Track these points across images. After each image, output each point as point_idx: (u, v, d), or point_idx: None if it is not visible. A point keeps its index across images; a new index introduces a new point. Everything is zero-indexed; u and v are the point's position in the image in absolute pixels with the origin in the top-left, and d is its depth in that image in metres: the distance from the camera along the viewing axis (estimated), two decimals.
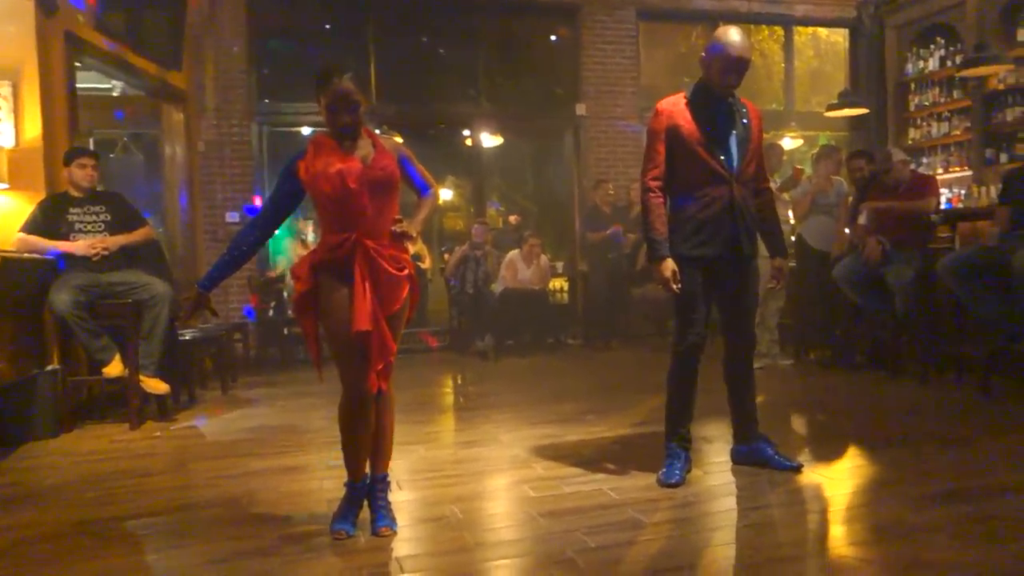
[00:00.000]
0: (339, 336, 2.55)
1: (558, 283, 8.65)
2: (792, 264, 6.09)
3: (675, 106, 3.14)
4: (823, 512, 2.81)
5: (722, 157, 3.09)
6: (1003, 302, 4.40)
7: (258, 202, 7.53)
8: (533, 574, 2.31)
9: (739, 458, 3.31)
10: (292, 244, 7.70)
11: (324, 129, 2.68)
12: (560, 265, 8.74)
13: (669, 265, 3.07)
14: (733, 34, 3.05)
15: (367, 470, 2.71)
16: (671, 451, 3.17)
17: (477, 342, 7.30)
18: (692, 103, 3.14)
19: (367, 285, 2.51)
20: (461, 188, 11.93)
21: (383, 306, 2.56)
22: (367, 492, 2.71)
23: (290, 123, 8.15)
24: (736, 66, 3.04)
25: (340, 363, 2.59)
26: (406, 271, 2.63)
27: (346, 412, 2.62)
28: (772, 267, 3.34)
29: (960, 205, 7.28)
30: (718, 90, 3.11)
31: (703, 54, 3.13)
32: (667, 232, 3.11)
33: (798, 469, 3.15)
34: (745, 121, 3.16)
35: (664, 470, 3.10)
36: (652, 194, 3.13)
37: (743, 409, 3.31)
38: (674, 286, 3.06)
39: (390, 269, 2.56)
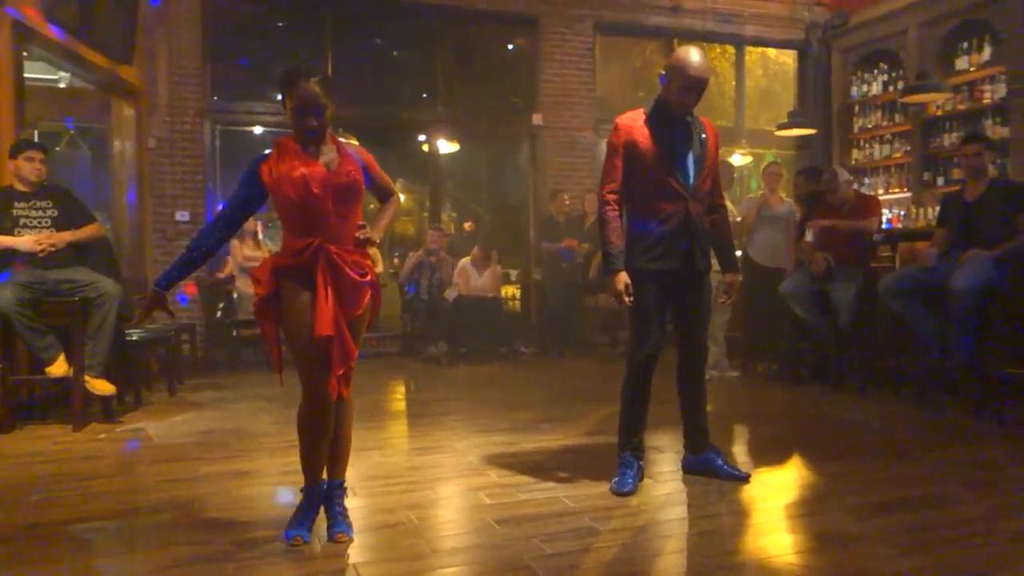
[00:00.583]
0: (300, 341, 2.53)
1: (511, 291, 8.70)
2: (740, 278, 6.25)
3: (634, 122, 3.21)
4: (769, 521, 2.89)
5: (679, 174, 3.16)
6: (939, 320, 4.59)
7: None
8: None
9: (689, 467, 3.38)
10: (237, 245, 7.59)
11: (287, 132, 2.67)
12: (514, 273, 8.79)
13: (623, 278, 3.12)
14: (693, 54, 3.12)
15: (324, 475, 2.70)
16: (624, 460, 3.23)
17: (431, 348, 7.29)
18: (651, 119, 3.21)
19: (329, 290, 2.51)
20: (415, 193, 11.90)
21: (344, 311, 2.55)
22: (324, 498, 2.70)
23: (243, 122, 8.04)
24: (695, 86, 3.12)
25: (301, 367, 2.57)
26: (368, 277, 2.63)
27: (306, 416, 2.60)
28: (723, 282, 3.43)
29: (899, 225, 7.55)
30: (676, 108, 3.18)
31: (662, 72, 3.20)
32: (622, 245, 3.17)
33: (746, 479, 3.24)
34: (703, 138, 3.24)
35: (617, 479, 3.15)
36: (609, 207, 3.19)
37: (694, 420, 3.39)
38: (626, 299, 3.11)
39: (352, 275, 2.56)
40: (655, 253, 3.16)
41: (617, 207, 3.20)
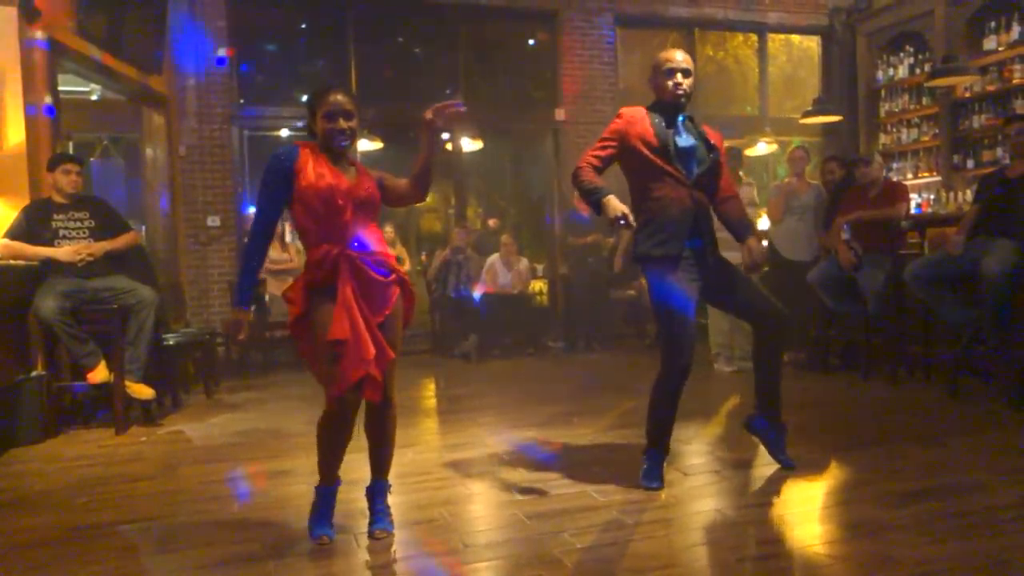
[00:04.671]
0: (319, 347, 2.58)
1: (538, 286, 8.74)
2: (766, 268, 6.23)
3: (637, 113, 3.24)
4: (799, 511, 2.91)
5: (678, 164, 3.16)
6: (968, 306, 4.55)
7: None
8: (521, 574, 2.39)
9: (749, 426, 3.43)
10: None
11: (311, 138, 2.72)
12: (540, 268, 8.83)
13: (612, 200, 3.04)
14: (666, 50, 3.27)
15: (339, 474, 2.77)
16: (652, 455, 3.23)
17: (461, 342, 7.36)
18: (651, 114, 3.23)
19: (350, 293, 2.53)
20: (440, 191, 11.97)
21: (373, 312, 2.59)
22: (368, 496, 2.78)
23: (270, 127, 8.16)
24: (676, 66, 3.18)
25: (320, 373, 2.62)
26: (394, 275, 2.68)
27: (327, 421, 2.64)
28: (745, 251, 3.31)
29: (929, 210, 7.46)
30: (670, 99, 3.20)
31: (649, 78, 3.28)
32: (600, 182, 3.14)
33: (791, 466, 3.28)
34: (703, 135, 3.24)
35: (646, 473, 3.18)
36: (580, 169, 3.17)
37: (763, 391, 3.37)
38: (626, 211, 3.01)
39: (375, 274, 2.60)
40: (660, 238, 3.14)
41: (590, 171, 3.17)
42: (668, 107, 3.22)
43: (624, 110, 3.27)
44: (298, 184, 2.58)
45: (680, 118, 3.24)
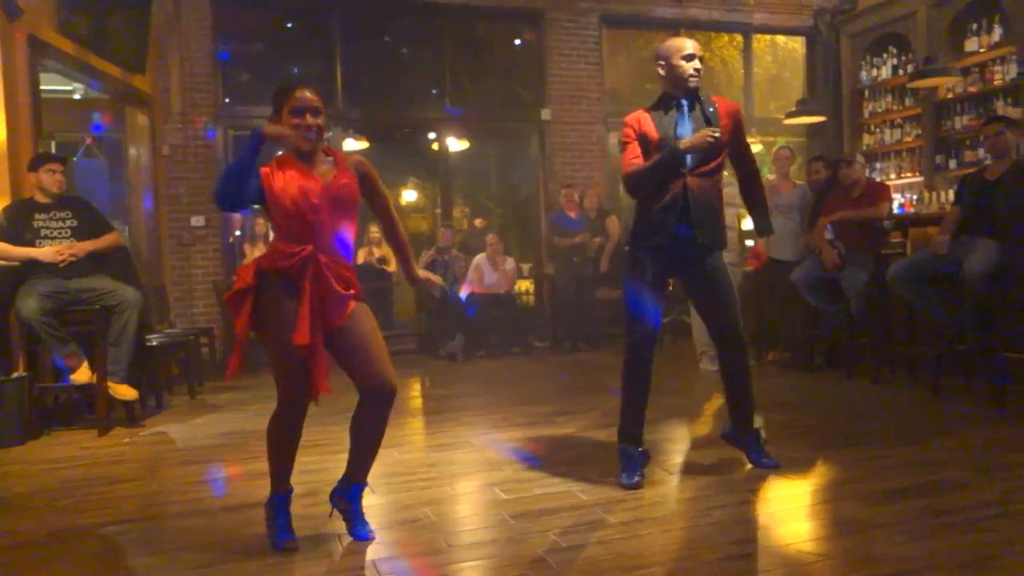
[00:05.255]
0: (279, 348, 2.52)
1: (524, 285, 8.75)
2: (749, 268, 6.27)
3: (639, 115, 3.28)
4: (783, 509, 2.92)
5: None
6: (950, 306, 4.59)
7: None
8: (505, 575, 2.39)
9: (727, 437, 3.46)
10: (249, 248, 7.67)
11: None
12: (527, 268, 8.84)
13: (687, 139, 3.11)
14: (673, 39, 3.32)
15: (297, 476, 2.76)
16: (624, 453, 3.22)
17: (447, 342, 7.36)
18: (651, 110, 3.28)
19: (310, 300, 2.49)
20: (426, 191, 11.96)
21: (326, 322, 2.54)
22: (346, 499, 2.72)
23: (255, 126, 8.11)
24: (689, 50, 3.20)
25: (278, 374, 2.58)
26: (352, 291, 2.61)
27: (281, 423, 2.62)
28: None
29: (912, 210, 7.52)
30: (685, 82, 3.20)
31: (659, 61, 3.28)
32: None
33: (776, 466, 3.30)
34: (711, 111, 3.23)
35: (623, 473, 3.18)
36: (630, 167, 3.22)
37: (734, 403, 3.42)
38: (713, 132, 3.08)
39: (337, 287, 2.55)
40: (650, 229, 3.21)
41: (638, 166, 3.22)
42: (678, 95, 3.24)
43: (627, 117, 3.30)
44: (268, 189, 2.53)
45: (686, 103, 3.25)
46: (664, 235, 3.18)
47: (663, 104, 3.28)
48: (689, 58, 3.21)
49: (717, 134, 3.10)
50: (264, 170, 2.56)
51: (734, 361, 3.37)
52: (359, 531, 2.69)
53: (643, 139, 3.23)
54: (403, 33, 8.77)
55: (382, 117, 8.34)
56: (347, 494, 2.72)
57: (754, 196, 3.46)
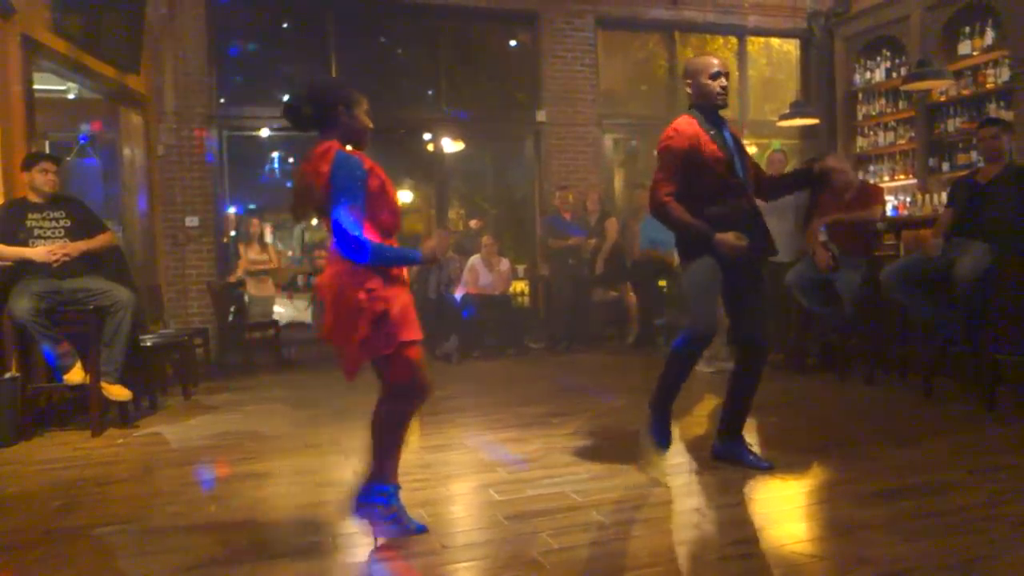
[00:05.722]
0: (416, 343, 2.71)
1: (519, 287, 8.75)
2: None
3: (692, 127, 3.28)
4: (776, 511, 2.93)
5: (737, 171, 3.29)
6: (943, 308, 4.61)
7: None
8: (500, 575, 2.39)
9: (718, 454, 3.47)
10: (244, 248, 7.67)
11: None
12: (522, 269, 8.85)
13: (725, 236, 3.17)
14: (702, 56, 3.43)
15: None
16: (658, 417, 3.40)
17: (442, 343, 7.35)
18: (703, 124, 3.30)
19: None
20: (421, 192, 11.96)
21: None
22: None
23: (250, 127, 8.12)
24: (721, 67, 3.32)
25: (415, 369, 2.70)
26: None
27: (409, 413, 2.74)
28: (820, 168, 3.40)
29: (906, 212, 7.55)
30: (714, 100, 3.31)
31: (686, 80, 3.37)
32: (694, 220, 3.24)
33: (769, 467, 3.31)
34: (735, 136, 3.40)
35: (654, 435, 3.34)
36: (669, 205, 3.24)
37: (732, 410, 3.46)
38: (743, 243, 3.17)
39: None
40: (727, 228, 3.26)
41: (676, 205, 3.25)
42: (713, 109, 3.32)
43: (681, 126, 3.28)
44: (369, 186, 2.61)
45: (721, 122, 3.36)
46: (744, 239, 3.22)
47: (707, 117, 3.31)
48: (715, 76, 3.30)
49: (744, 243, 3.18)
50: (367, 164, 2.65)
51: (749, 371, 3.43)
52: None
53: (693, 152, 3.22)
54: (398, 34, 8.77)
55: (377, 118, 8.28)
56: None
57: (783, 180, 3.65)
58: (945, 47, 7.67)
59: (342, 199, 2.54)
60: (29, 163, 4.63)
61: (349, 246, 2.54)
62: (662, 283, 7.44)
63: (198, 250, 7.41)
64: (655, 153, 3.36)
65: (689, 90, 3.39)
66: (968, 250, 4.47)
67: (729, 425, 3.46)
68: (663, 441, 3.36)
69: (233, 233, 7.97)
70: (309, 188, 2.60)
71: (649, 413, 3.40)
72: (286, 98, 2.74)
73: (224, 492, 3.32)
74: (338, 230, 2.54)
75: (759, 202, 3.46)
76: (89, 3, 5.89)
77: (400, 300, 2.63)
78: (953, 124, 7.67)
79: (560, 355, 7.45)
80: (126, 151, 6.97)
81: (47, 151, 5.89)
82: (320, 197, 2.59)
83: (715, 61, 3.35)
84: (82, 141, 6.62)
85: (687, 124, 3.28)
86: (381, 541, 2.66)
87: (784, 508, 2.94)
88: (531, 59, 8.61)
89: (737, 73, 9.32)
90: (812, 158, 6.56)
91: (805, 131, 8.99)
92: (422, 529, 2.71)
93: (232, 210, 8.26)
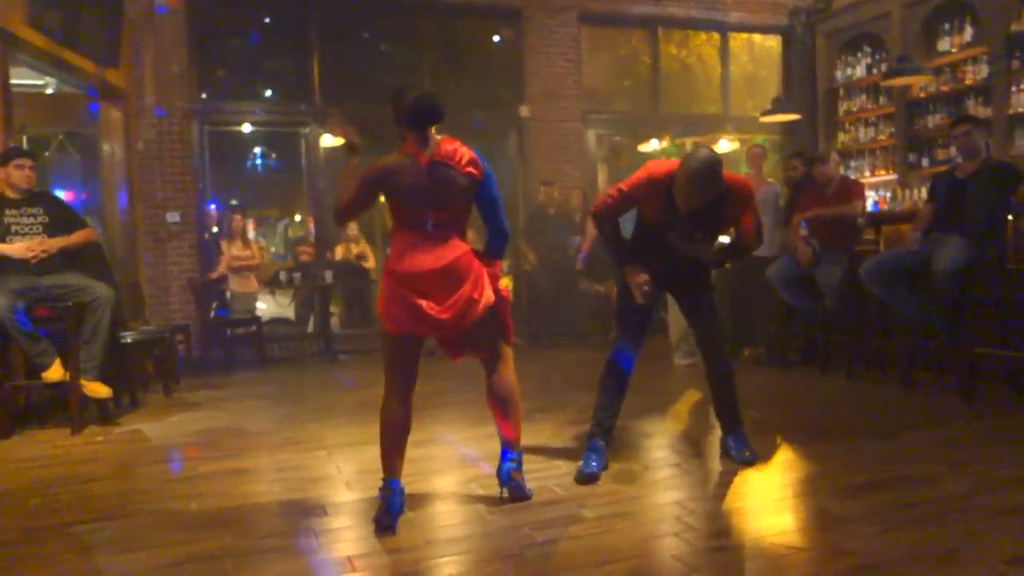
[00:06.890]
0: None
1: (504, 281, 8.73)
2: (727, 265, 6.31)
3: (662, 188, 3.20)
4: (757, 504, 2.95)
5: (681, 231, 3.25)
6: (922, 302, 4.66)
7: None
8: (482, 570, 2.40)
9: (725, 453, 3.47)
10: (227, 245, 7.60)
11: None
12: (505, 264, 8.83)
13: (632, 274, 3.34)
14: (698, 155, 3.11)
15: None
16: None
17: (426, 342, 7.32)
18: (666, 198, 3.20)
19: None
20: None
21: None
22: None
23: (231, 121, 8.06)
24: (692, 188, 3.06)
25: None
26: None
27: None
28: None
29: (886, 207, 7.61)
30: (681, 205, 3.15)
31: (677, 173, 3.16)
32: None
33: (751, 462, 3.32)
34: (720, 208, 3.18)
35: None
36: (605, 226, 3.42)
37: (720, 405, 3.50)
38: (646, 289, 3.28)
39: None
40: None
41: (609, 224, 3.40)
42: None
43: (656, 172, 3.22)
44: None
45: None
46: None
47: (673, 201, 3.18)
48: (684, 189, 3.09)
49: (647, 289, 3.26)
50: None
51: (711, 362, 3.49)
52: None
53: (647, 200, 3.27)
54: (381, 29, 8.73)
55: (360, 113, 8.28)
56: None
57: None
58: (924, 44, 7.74)
59: (499, 200, 3.12)
60: (5, 159, 4.58)
61: (505, 243, 3.24)
62: None
63: (179, 246, 7.34)
64: (632, 172, 3.34)
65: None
66: (947, 244, 4.51)
67: (720, 418, 3.49)
68: (600, 460, 3.29)
69: (215, 229, 7.91)
70: (460, 187, 3.01)
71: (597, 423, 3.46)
72: (436, 101, 3.06)
73: (205, 489, 3.30)
74: (502, 228, 3.17)
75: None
76: None
77: None
78: (932, 120, 7.74)
79: (542, 351, 7.46)
80: (105, 146, 6.90)
81: (24, 146, 5.83)
82: (470, 196, 3.06)
83: (698, 179, 3.05)
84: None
85: (662, 174, 3.19)
86: (363, 536, 2.66)
87: (764, 501, 2.96)
88: (514, 55, 8.59)
89: (720, 68, 9.36)
90: (796, 152, 6.64)
91: (787, 127, 9.03)
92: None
93: (213, 207, 8.19)
